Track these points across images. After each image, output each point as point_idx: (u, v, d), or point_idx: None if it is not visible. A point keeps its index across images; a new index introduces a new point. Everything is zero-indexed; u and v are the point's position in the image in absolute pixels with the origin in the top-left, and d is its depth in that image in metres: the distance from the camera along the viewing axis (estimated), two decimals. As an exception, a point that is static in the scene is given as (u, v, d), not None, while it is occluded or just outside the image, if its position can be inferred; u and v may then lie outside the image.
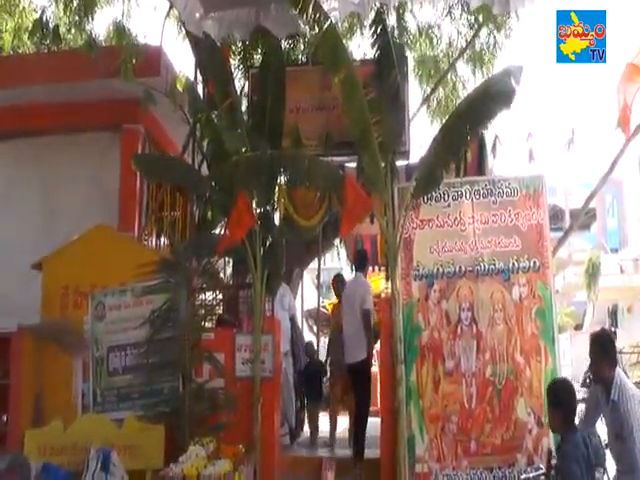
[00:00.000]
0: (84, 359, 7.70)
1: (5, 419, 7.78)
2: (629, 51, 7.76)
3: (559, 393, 5.29)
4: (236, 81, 9.61)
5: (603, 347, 5.52)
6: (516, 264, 7.21)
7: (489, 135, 8.20)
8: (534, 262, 7.19)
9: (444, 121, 8.04)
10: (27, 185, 10.22)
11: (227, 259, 9.68)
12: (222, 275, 9.56)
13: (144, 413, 7.12)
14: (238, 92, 9.03)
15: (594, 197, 11.24)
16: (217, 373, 7.28)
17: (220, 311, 8.91)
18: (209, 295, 8.73)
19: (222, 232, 8.66)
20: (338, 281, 9.67)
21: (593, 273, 27.96)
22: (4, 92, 9.73)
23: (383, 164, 7.31)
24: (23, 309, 8.03)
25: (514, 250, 7.24)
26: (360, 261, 8.97)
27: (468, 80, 12.04)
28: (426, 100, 12.00)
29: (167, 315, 7.25)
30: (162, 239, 10.93)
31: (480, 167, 8.28)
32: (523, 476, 6.27)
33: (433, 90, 12.01)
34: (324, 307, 13.91)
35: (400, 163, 8.08)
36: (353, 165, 8.17)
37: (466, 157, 7.73)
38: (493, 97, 7.00)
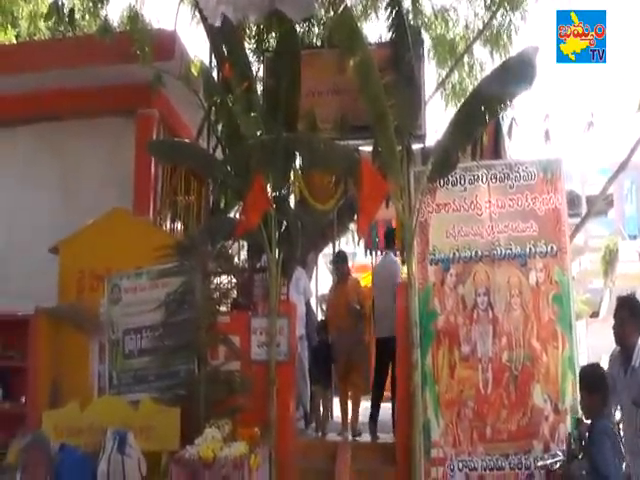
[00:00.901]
0: (100, 341, 7.75)
1: (23, 400, 7.84)
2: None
3: (595, 377, 5.27)
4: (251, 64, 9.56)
5: (630, 310, 5.50)
6: (533, 249, 7.17)
7: (506, 117, 8.14)
8: (551, 247, 7.14)
9: (461, 104, 7.96)
10: (44, 169, 10.25)
11: (241, 243, 9.69)
12: (237, 259, 9.57)
13: (160, 395, 7.16)
14: (253, 76, 8.97)
15: (613, 182, 11.17)
16: (233, 356, 7.31)
17: (235, 295, 8.92)
18: (224, 279, 8.72)
19: (237, 216, 8.65)
20: (340, 259, 9.31)
21: (610, 260, 27.73)
22: (21, 78, 9.78)
23: (399, 148, 7.26)
24: (40, 292, 8.09)
25: (531, 235, 7.20)
26: (389, 240, 8.99)
27: (485, 63, 11.96)
28: (442, 84, 11.92)
29: (182, 298, 7.26)
30: (177, 223, 10.96)
31: (496, 150, 8.23)
32: (540, 463, 6.25)
33: (449, 73, 11.93)
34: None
35: (416, 147, 8.03)
36: (368, 149, 8.13)
37: (482, 140, 7.68)
38: (511, 79, 6.92)
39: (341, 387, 8.99)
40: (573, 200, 28.06)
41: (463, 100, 8.36)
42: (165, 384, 7.26)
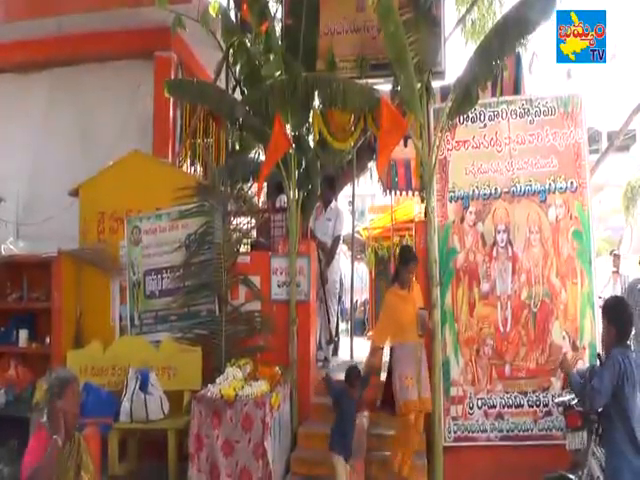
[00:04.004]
0: (121, 282, 7.83)
1: (48, 341, 7.98)
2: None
3: (616, 310, 5.26)
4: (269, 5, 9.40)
5: None
6: (553, 184, 7.12)
7: (527, 52, 7.97)
8: (571, 182, 7.10)
9: (481, 40, 7.78)
10: (65, 113, 10.25)
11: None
12: (256, 199, 9.56)
13: (181, 335, 7.27)
14: (272, 16, 8.84)
15: (634, 117, 11.00)
16: (253, 296, 7.36)
17: (255, 235, 8.93)
18: (244, 219, 8.74)
19: (256, 156, 8.61)
20: (412, 259, 6.75)
21: (632, 196, 27.28)
22: (38, 23, 9.70)
23: (419, 85, 7.16)
24: (62, 234, 8.17)
25: (551, 170, 7.15)
26: None
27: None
28: (461, 20, 11.71)
29: (203, 239, 7.32)
30: (196, 165, 10.96)
31: (516, 86, 8.09)
32: (557, 400, 6.28)
33: (469, 9, 11.70)
34: (358, 232, 13.83)
35: (435, 84, 7.92)
36: (385, 88, 8.03)
37: (502, 76, 7.55)
38: (530, 12, 6.75)
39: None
40: (593, 136, 27.54)
41: (483, 36, 8.15)
42: (186, 324, 7.36)
